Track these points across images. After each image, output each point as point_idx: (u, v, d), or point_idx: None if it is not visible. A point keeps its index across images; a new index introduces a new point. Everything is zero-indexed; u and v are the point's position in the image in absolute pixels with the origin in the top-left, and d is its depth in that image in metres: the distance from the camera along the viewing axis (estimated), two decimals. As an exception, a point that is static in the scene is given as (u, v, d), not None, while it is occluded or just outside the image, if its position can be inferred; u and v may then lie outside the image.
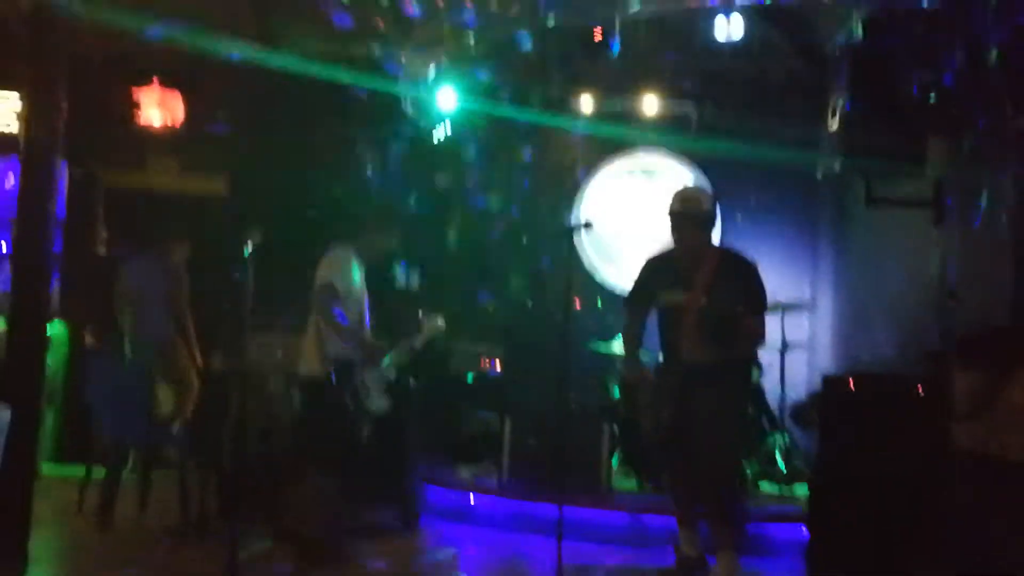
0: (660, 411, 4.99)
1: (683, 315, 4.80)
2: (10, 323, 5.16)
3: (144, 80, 8.17)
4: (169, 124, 8.19)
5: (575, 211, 8.30)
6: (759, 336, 4.84)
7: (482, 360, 7.86)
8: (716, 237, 5.89)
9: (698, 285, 4.78)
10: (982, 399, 4.40)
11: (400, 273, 8.39)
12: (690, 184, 7.00)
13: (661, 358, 5.13)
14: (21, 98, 6.30)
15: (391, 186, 8.26)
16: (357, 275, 5.31)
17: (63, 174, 6.92)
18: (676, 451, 4.95)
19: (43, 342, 5.34)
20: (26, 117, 5.75)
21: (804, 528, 5.41)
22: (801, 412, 7.68)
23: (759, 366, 7.00)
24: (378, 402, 5.29)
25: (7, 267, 6.47)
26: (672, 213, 4.85)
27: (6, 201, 7.62)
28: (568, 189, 8.45)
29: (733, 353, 4.77)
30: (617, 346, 6.93)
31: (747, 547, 5.58)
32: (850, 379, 5.55)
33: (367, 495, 6.31)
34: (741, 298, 4.68)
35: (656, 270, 4.99)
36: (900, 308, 6.47)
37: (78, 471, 6.41)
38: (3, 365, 5.14)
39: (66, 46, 5.92)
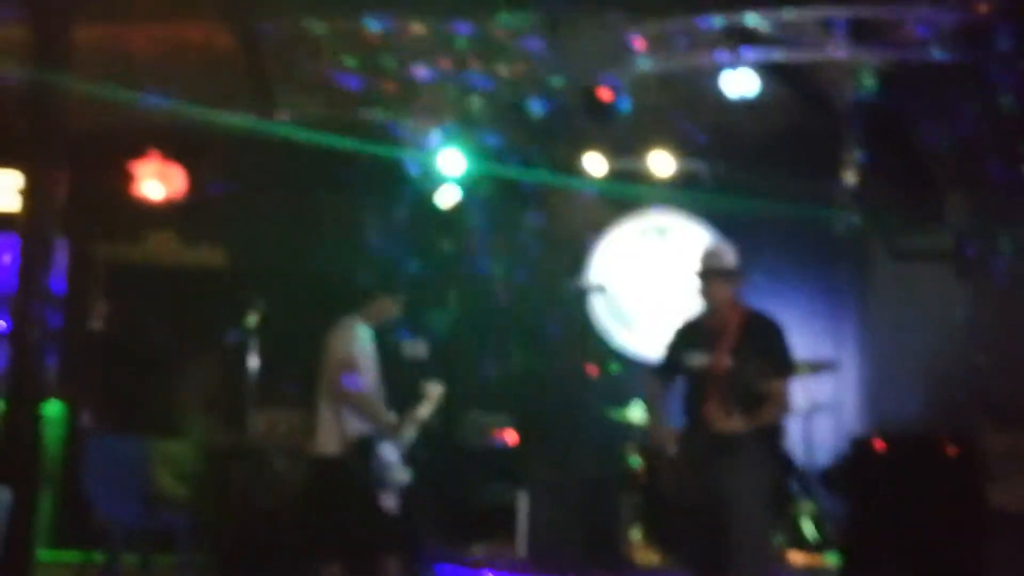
0: (684, 481, 4.79)
1: (708, 379, 4.63)
2: (8, 402, 5.01)
3: (142, 152, 8.08)
4: (168, 196, 8.09)
5: (586, 274, 8.14)
6: (786, 402, 4.65)
7: (493, 431, 7.65)
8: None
9: (723, 347, 4.62)
10: (1018, 457, 4.22)
11: (407, 342, 8.21)
12: (709, 241, 6.86)
13: (685, 425, 4.94)
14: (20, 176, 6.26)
15: (396, 252, 8.14)
16: (368, 345, 5.14)
17: (61, 250, 6.78)
18: (700, 524, 4.75)
19: (41, 421, 5.18)
20: (25, 194, 5.69)
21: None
22: (831, 476, 7.45)
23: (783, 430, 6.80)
24: (401, 475, 5.06)
25: (5, 345, 6.34)
26: (699, 271, 4.73)
27: (5, 278, 7.49)
28: (579, 251, 8.30)
29: (759, 420, 4.58)
30: (635, 413, 6.73)
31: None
32: (879, 440, 5.39)
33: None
34: (767, 361, 4.51)
35: (684, 334, 4.85)
36: (927, 364, 6.31)
37: (77, 556, 6.18)
38: (1, 446, 4.98)
39: (64, 124, 5.88)
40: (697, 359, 4.69)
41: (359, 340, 5.08)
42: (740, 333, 4.62)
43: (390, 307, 5.27)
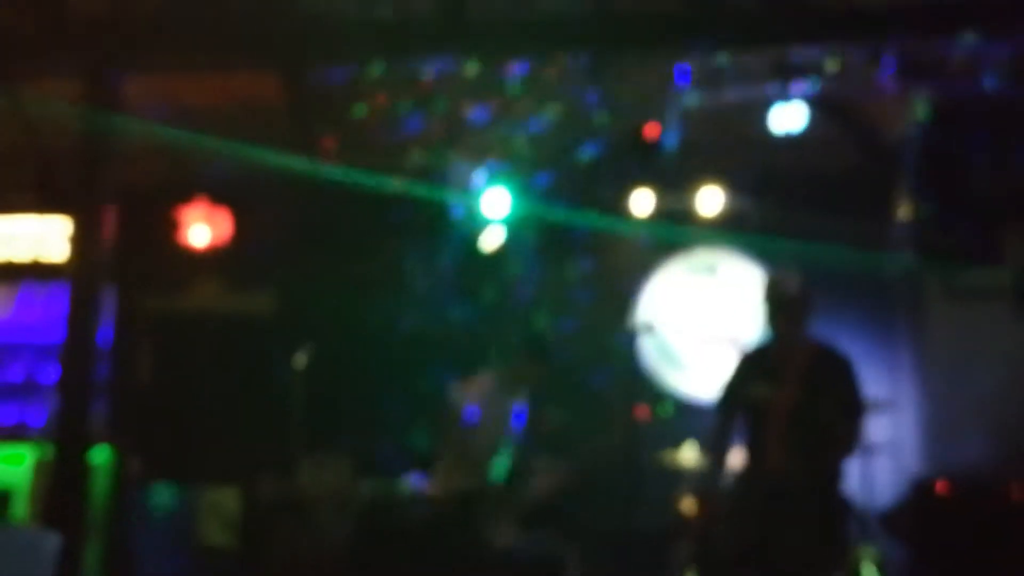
0: (743, 526, 4.62)
1: (771, 414, 4.46)
2: (56, 450, 5.01)
3: (189, 199, 8.15)
4: (214, 243, 8.14)
5: (635, 315, 8.02)
6: (855, 442, 4.48)
7: (540, 479, 7.51)
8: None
9: (790, 382, 4.45)
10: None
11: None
12: (775, 270, 6.69)
13: (744, 463, 4.75)
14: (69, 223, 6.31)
15: (444, 297, 8.09)
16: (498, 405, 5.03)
17: (109, 299, 6.81)
18: (759, 572, 4.56)
19: (89, 469, 5.16)
20: (74, 242, 5.72)
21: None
22: (891, 520, 7.23)
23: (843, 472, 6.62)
24: (506, 536, 4.93)
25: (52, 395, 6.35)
26: (766, 299, 4.55)
27: (54, 328, 7.55)
28: (627, 293, 8.19)
29: (826, 461, 4.40)
30: (688, 456, 6.56)
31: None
32: (942, 483, 5.20)
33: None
34: (837, 399, 4.35)
35: (747, 366, 4.66)
36: (988, 404, 6.11)
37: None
38: (49, 492, 4.97)
39: (114, 173, 5.94)
40: (761, 391, 4.52)
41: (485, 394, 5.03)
42: (808, 369, 4.45)
43: (533, 370, 5.14)
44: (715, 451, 4.73)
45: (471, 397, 4.97)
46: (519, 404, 5.08)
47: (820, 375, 4.43)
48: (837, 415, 4.31)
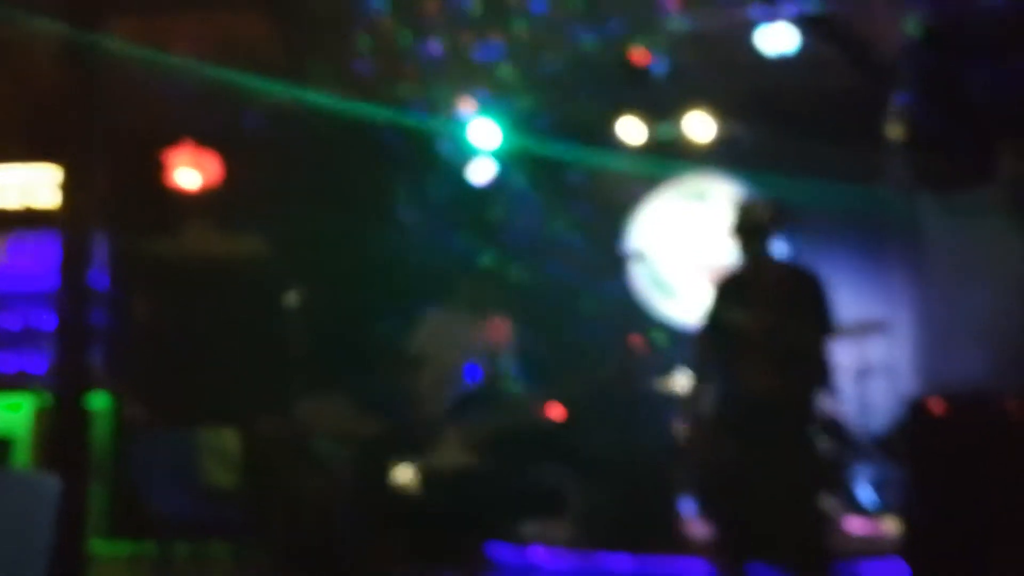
0: (724, 450, 4.66)
1: (746, 338, 4.50)
2: (55, 397, 5.05)
3: (178, 143, 8.11)
4: (205, 185, 8.11)
5: (626, 243, 8.01)
6: (829, 358, 4.48)
7: (541, 409, 7.58)
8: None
9: (762, 305, 4.48)
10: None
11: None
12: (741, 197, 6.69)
13: (722, 388, 4.77)
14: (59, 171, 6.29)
15: (436, 232, 8.09)
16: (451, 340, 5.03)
17: (102, 245, 6.82)
18: (734, 496, 4.59)
19: (88, 414, 5.21)
20: (64, 189, 5.71)
21: (901, 562, 5.05)
22: (887, 441, 7.31)
23: (833, 393, 6.68)
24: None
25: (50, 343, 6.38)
26: (735, 227, 4.61)
27: (48, 276, 7.56)
28: (618, 222, 8.18)
29: (802, 381, 4.42)
30: (681, 383, 6.61)
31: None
32: (939, 402, 5.22)
33: (430, 554, 6.08)
34: (806, 316, 4.37)
35: (723, 291, 4.70)
36: (987, 323, 6.11)
37: (129, 547, 6.22)
38: (50, 439, 5.03)
39: (102, 118, 5.89)
40: (735, 316, 4.55)
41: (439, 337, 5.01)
42: (778, 289, 4.48)
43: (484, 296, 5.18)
44: (698, 377, 4.78)
45: (426, 333, 4.96)
46: (478, 333, 5.06)
47: (789, 295, 4.45)
48: (808, 332, 4.32)
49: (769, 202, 4.78)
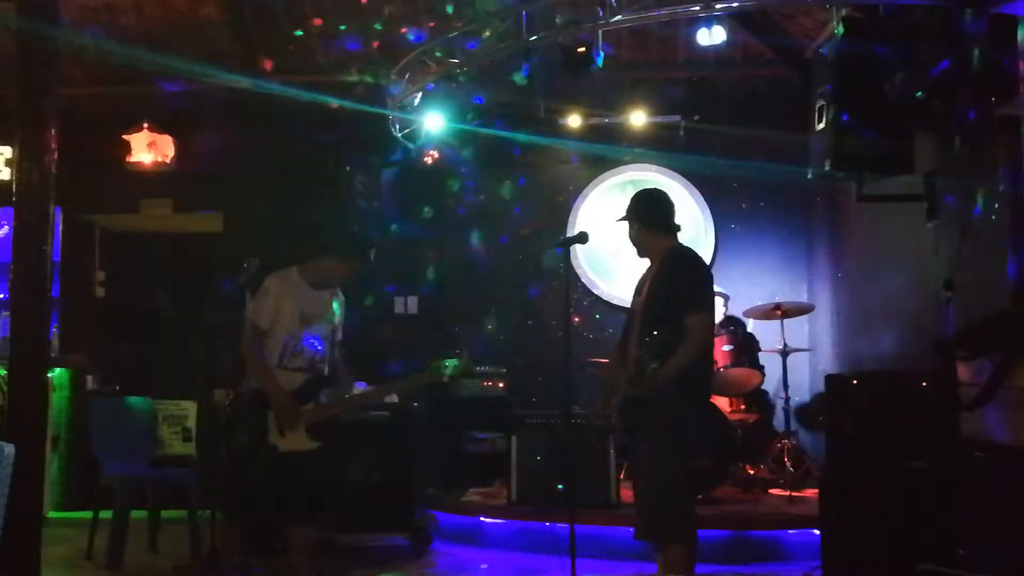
0: (618, 429, 4.86)
1: (634, 319, 4.60)
2: (11, 366, 5.15)
3: (134, 123, 8.23)
4: (160, 165, 8.25)
5: (568, 228, 8.32)
6: (699, 337, 4.36)
7: (484, 382, 7.87)
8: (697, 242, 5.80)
9: (645, 286, 4.60)
10: (988, 386, 4.30)
11: (398, 299, 8.43)
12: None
13: (617, 367, 4.76)
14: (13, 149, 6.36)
15: (384, 212, 8.31)
16: (296, 305, 4.85)
17: (57, 219, 6.92)
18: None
19: (45, 384, 5.32)
20: (18, 163, 5.76)
21: (816, 531, 5.38)
22: (807, 414, 7.68)
23: (761, 368, 7.02)
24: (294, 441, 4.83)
25: (5, 312, 6.50)
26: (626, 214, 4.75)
27: (2, 248, 7.65)
28: (559, 207, 8.49)
29: (678, 357, 4.28)
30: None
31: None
32: (853, 378, 5.52)
33: (377, 522, 6.30)
34: (677, 291, 4.39)
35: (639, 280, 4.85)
36: (899, 305, 6.46)
37: (86, 516, 6.35)
38: (6, 409, 5.12)
39: (54, 94, 5.95)
40: (634, 299, 4.69)
41: (273, 300, 4.84)
42: (657, 272, 4.57)
43: (335, 268, 4.94)
44: (617, 355, 4.84)
45: (271, 294, 4.83)
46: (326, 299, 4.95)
47: (665, 274, 4.51)
48: (681, 307, 4.35)
49: (648, 192, 4.91)
